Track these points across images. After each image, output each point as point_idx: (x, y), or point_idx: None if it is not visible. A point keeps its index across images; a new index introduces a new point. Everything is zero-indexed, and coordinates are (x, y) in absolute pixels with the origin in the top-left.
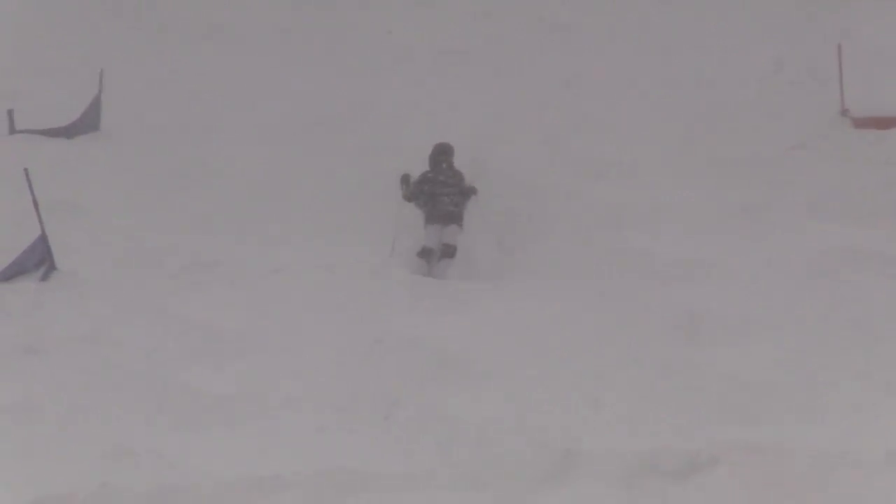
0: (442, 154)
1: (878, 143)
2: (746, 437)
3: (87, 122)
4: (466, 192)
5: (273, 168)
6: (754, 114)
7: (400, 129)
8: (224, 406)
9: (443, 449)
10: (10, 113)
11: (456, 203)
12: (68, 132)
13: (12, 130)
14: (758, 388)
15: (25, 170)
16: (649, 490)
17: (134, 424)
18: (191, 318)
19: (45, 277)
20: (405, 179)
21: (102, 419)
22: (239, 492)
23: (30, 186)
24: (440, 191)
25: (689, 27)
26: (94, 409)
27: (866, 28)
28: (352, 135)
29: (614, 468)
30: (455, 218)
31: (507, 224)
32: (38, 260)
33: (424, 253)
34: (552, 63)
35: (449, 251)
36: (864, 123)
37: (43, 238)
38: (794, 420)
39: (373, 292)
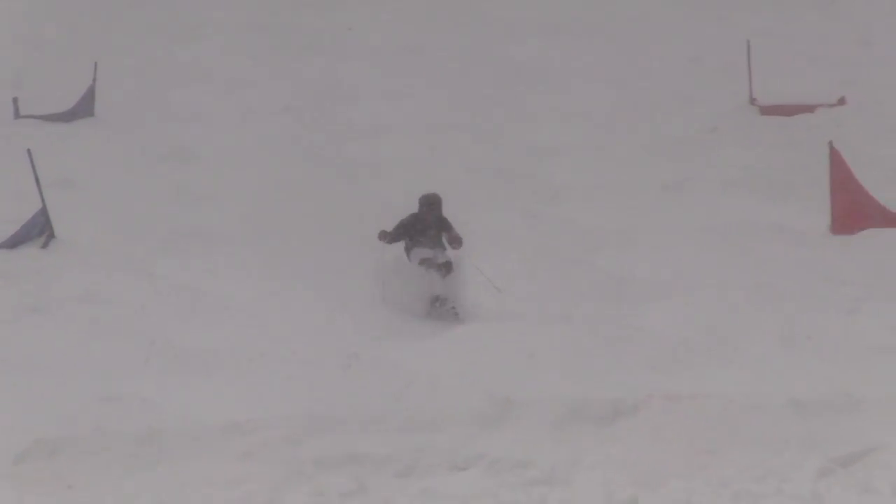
0: (427, 206)
1: (781, 128)
2: (665, 386)
3: (83, 109)
4: (452, 242)
5: (247, 148)
6: (674, 102)
7: (359, 110)
8: (204, 358)
9: (397, 397)
10: (14, 100)
11: (435, 244)
12: (66, 117)
13: (17, 115)
14: (675, 343)
15: (28, 150)
16: (578, 433)
17: (124, 374)
18: (175, 280)
19: (45, 245)
20: (383, 235)
21: (96, 369)
22: (217, 434)
23: (32, 165)
24: (423, 234)
25: (619, 27)
26: (88, 360)
27: (773, 27)
28: (315, 116)
29: (548, 414)
30: (437, 247)
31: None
32: (40, 230)
33: (426, 262)
34: (497, 57)
35: (448, 266)
36: (769, 111)
37: (43, 210)
38: (707, 371)
39: (342, 260)
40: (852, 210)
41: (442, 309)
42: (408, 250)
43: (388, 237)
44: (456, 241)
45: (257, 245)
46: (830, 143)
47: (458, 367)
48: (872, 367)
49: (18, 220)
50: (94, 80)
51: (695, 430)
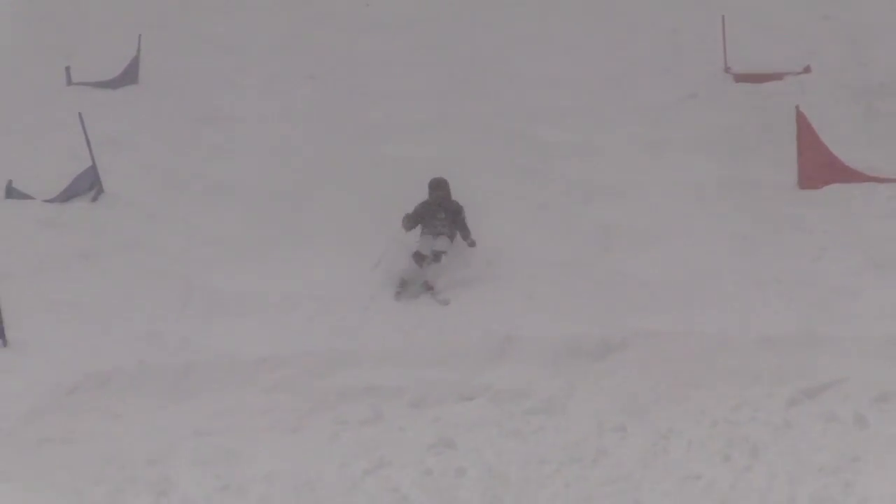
0: (436, 189)
1: (753, 93)
2: (649, 324)
3: (128, 77)
4: (465, 235)
5: (274, 111)
6: (657, 70)
7: (375, 78)
8: (237, 301)
9: (410, 335)
10: (67, 69)
11: (447, 225)
12: (113, 84)
13: (69, 83)
14: (658, 286)
15: (79, 114)
16: (573, 367)
17: (165, 315)
18: (210, 231)
19: (95, 198)
20: (406, 220)
21: (140, 310)
22: (249, 368)
23: (83, 126)
24: (433, 217)
25: (605, 3)
26: (133, 302)
27: (745, 3)
28: (336, 84)
29: (544, 350)
30: (444, 234)
31: (462, 157)
32: (90, 185)
33: (417, 257)
34: (495, 28)
35: (437, 256)
36: (742, 78)
37: (93, 167)
38: (687, 311)
39: (361, 214)
40: (817, 167)
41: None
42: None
43: (408, 223)
44: (469, 240)
45: (284, 200)
46: (797, 107)
47: (464, 309)
48: (835, 307)
49: (71, 176)
50: (138, 51)
51: (677, 365)
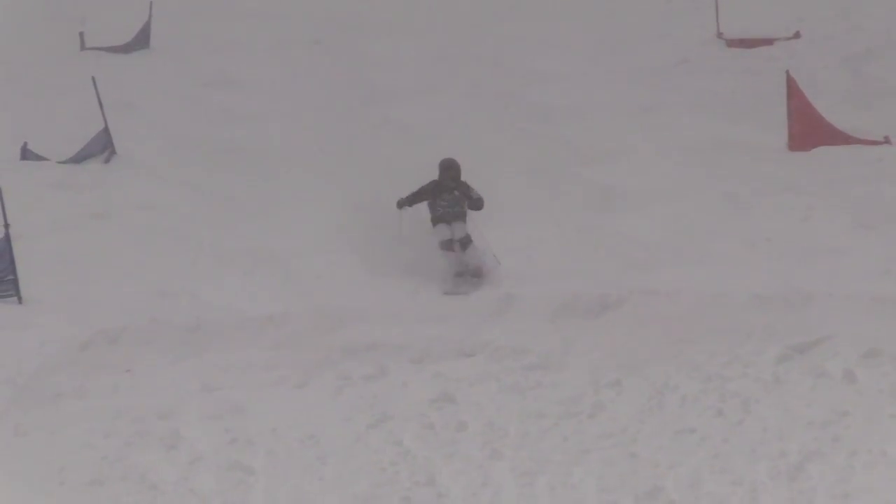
0: (446, 170)
1: (743, 58)
2: (644, 282)
3: (140, 42)
4: (473, 201)
5: (281, 75)
6: (651, 36)
7: (378, 43)
8: (244, 259)
9: (413, 294)
10: (81, 34)
11: (454, 205)
12: (125, 49)
13: (83, 48)
14: (653, 245)
15: (93, 78)
16: (570, 324)
17: (175, 273)
18: (219, 191)
19: (107, 160)
20: (400, 203)
21: (151, 268)
22: (256, 325)
23: (96, 90)
24: (441, 197)
25: None
26: (144, 260)
27: None
28: (340, 48)
29: (543, 307)
30: (457, 217)
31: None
32: (102, 147)
33: (446, 244)
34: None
35: (465, 243)
36: (734, 44)
37: (106, 130)
38: (681, 269)
39: (363, 172)
40: (807, 130)
41: (467, 281)
42: (433, 222)
43: (406, 202)
44: (477, 203)
45: (291, 161)
46: (787, 71)
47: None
48: (824, 266)
49: (84, 139)
50: (150, 17)
51: (670, 322)
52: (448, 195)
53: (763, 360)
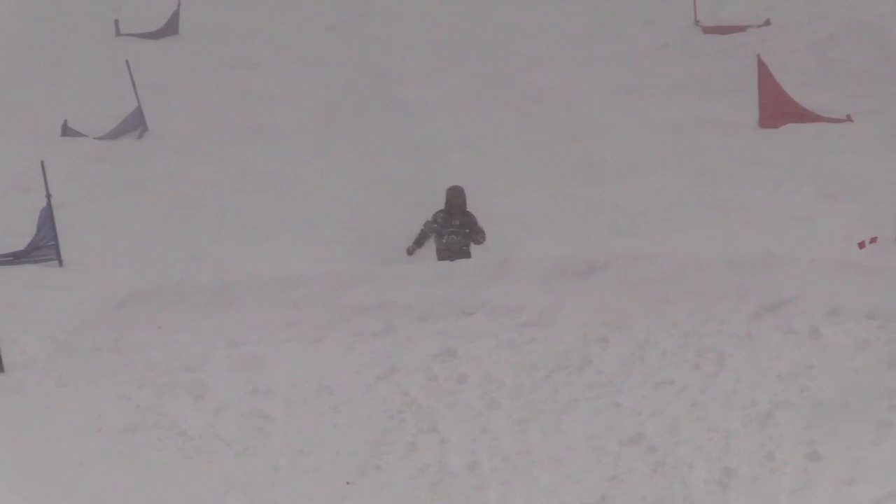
0: (454, 198)
1: (719, 43)
2: (628, 248)
3: (170, 28)
4: (475, 234)
5: (298, 59)
6: (634, 23)
7: (387, 30)
8: (264, 226)
9: (417, 258)
10: (116, 22)
11: (461, 243)
12: (156, 35)
13: (118, 34)
14: (636, 214)
15: (126, 61)
16: (561, 285)
17: (202, 238)
18: (242, 164)
19: (140, 136)
20: (410, 250)
21: (180, 234)
22: (275, 286)
23: (130, 73)
24: (447, 230)
25: None
26: (174, 227)
27: None
28: (352, 34)
29: (536, 270)
30: (461, 254)
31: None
32: (135, 124)
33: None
34: None
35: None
36: (710, 30)
37: (139, 109)
38: (661, 236)
39: (374, 147)
40: (776, 109)
41: None
42: (437, 255)
43: (415, 247)
44: (478, 238)
45: (307, 137)
46: (758, 56)
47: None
48: (792, 232)
49: (119, 117)
50: (179, 5)
51: (652, 283)
52: (454, 228)
53: (736, 318)
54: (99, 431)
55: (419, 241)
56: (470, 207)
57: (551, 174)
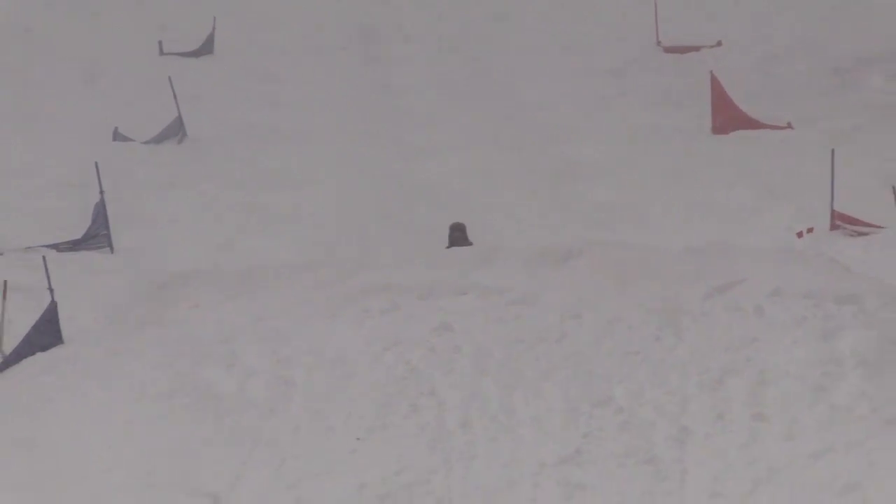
0: (454, 231)
1: (678, 61)
2: (600, 237)
3: (206, 48)
4: None
5: (315, 73)
6: (606, 43)
7: (392, 46)
8: (286, 218)
9: (422, 243)
10: (160, 43)
11: None
12: (194, 54)
13: (161, 53)
14: (607, 208)
15: (169, 77)
16: (542, 270)
17: (233, 229)
18: (268, 165)
19: (180, 141)
20: None
21: (214, 225)
22: (294, 270)
23: (171, 86)
24: None
25: None
26: (209, 219)
27: None
28: (361, 50)
29: (521, 256)
30: None
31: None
32: (176, 130)
33: None
34: (490, 20)
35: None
36: (670, 50)
37: (179, 117)
38: (629, 227)
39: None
40: (727, 118)
41: None
42: None
43: None
44: None
45: (321, 140)
46: (711, 72)
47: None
48: (741, 224)
49: (162, 124)
50: (214, 28)
51: (620, 268)
52: None
53: (692, 298)
54: (143, 396)
55: None
56: (463, 202)
57: (533, 173)
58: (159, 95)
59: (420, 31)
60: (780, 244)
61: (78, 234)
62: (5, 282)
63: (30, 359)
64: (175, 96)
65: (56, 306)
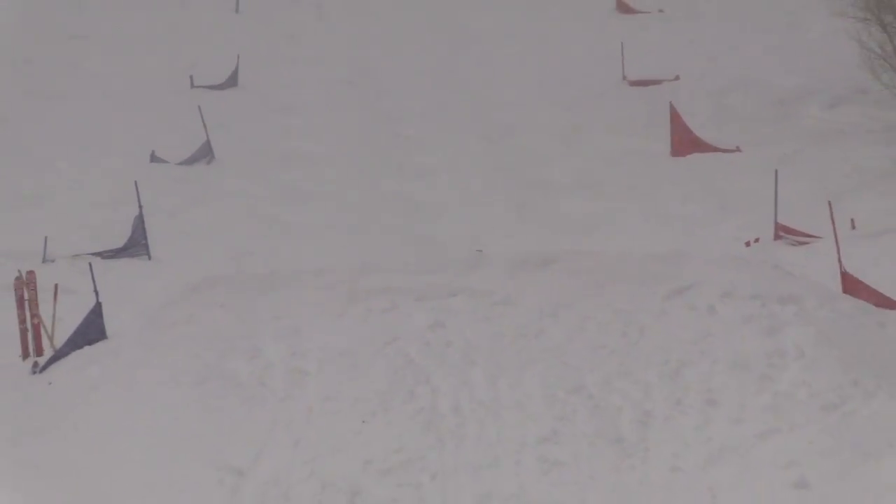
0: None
1: (641, 94)
2: (575, 246)
3: (231, 82)
4: None
5: (324, 103)
6: (579, 77)
7: (389, 82)
8: (300, 229)
9: (416, 253)
10: (191, 77)
11: None
12: (221, 87)
13: (192, 86)
14: (579, 220)
15: (199, 106)
16: (522, 275)
17: (256, 237)
18: (286, 183)
19: (209, 163)
20: None
21: (238, 235)
22: (308, 275)
23: (201, 115)
24: None
25: (541, 33)
26: (234, 230)
27: (635, 35)
28: (366, 85)
29: (504, 263)
30: None
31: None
32: (205, 154)
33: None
34: (476, 54)
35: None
36: (634, 83)
37: (208, 142)
38: (599, 236)
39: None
40: (684, 142)
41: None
42: None
43: None
44: None
45: (330, 162)
46: (670, 102)
47: (454, 235)
48: (695, 234)
49: (193, 148)
50: (237, 65)
51: (592, 273)
52: None
53: (653, 299)
54: (178, 384)
55: None
56: (452, 216)
57: (515, 190)
58: (190, 123)
59: (416, 69)
60: (730, 252)
61: (120, 244)
62: (56, 285)
63: (78, 352)
64: (204, 124)
65: (100, 306)
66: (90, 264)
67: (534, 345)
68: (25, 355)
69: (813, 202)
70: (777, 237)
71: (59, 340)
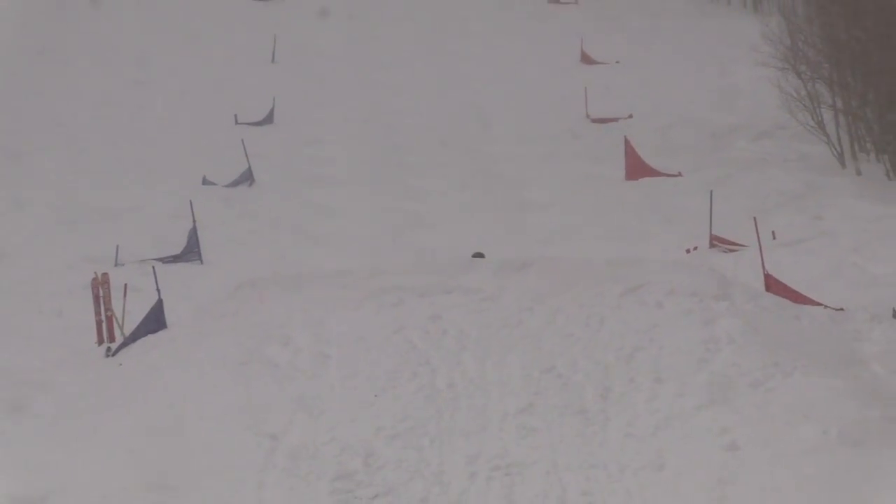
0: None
1: (601, 128)
2: (548, 252)
3: (268, 119)
4: None
5: (345, 137)
6: (550, 115)
7: (398, 121)
8: (325, 238)
9: (419, 258)
10: (235, 116)
11: None
12: (260, 123)
13: (236, 123)
14: (551, 232)
15: (242, 140)
16: (503, 277)
17: (288, 246)
18: (314, 200)
19: (250, 185)
20: None
21: (273, 244)
22: (329, 275)
23: (244, 147)
24: None
25: (525, 78)
26: (270, 239)
27: (596, 79)
28: (381, 120)
29: (491, 267)
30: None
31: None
32: (247, 178)
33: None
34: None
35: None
36: (596, 121)
37: (249, 169)
38: (567, 245)
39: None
40: (635, 168)
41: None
42: None
43: None
44: None
45: (350, 182)
46: (625, 136)
47: (448, 242)
48: (646, 242)
49: (237, 173)
50: (273, 105)
51: (562, 275)
52: None
53: (611, 295)
54: (223, 365)
55: None
56: (448, 228)
57: (498, 208)
58: (235, 153)
59: (418, 110)
60: (673, 258)
61: (177, 251)
62: (125, 285)
63: (142, 339)
64: (246, 154)
65: (162, 302)
66: (153, 268)
67: (514, 333)
68: (100, 342)
69: (741, 217)
70: (712, 246)
71: (128, 329)
